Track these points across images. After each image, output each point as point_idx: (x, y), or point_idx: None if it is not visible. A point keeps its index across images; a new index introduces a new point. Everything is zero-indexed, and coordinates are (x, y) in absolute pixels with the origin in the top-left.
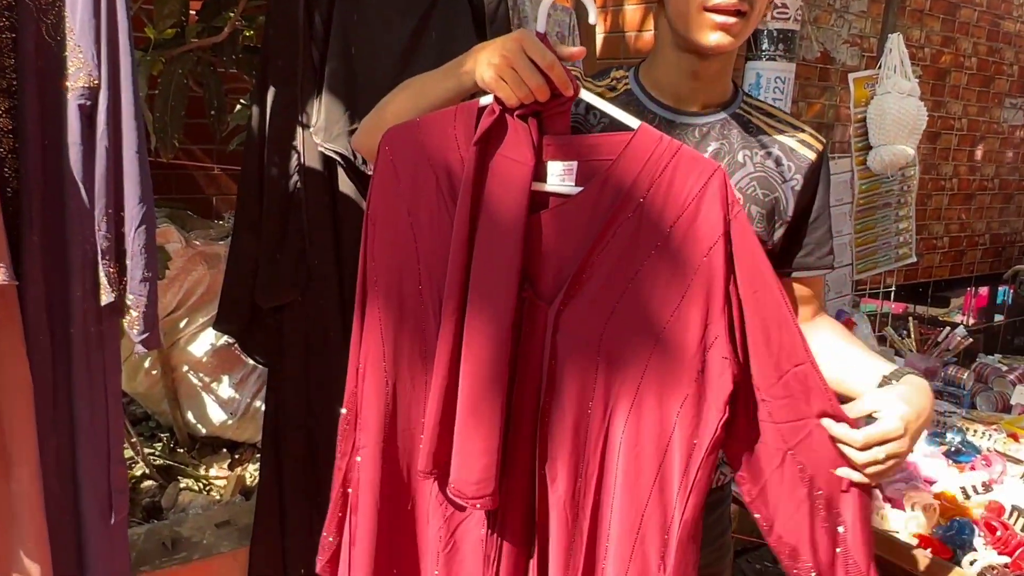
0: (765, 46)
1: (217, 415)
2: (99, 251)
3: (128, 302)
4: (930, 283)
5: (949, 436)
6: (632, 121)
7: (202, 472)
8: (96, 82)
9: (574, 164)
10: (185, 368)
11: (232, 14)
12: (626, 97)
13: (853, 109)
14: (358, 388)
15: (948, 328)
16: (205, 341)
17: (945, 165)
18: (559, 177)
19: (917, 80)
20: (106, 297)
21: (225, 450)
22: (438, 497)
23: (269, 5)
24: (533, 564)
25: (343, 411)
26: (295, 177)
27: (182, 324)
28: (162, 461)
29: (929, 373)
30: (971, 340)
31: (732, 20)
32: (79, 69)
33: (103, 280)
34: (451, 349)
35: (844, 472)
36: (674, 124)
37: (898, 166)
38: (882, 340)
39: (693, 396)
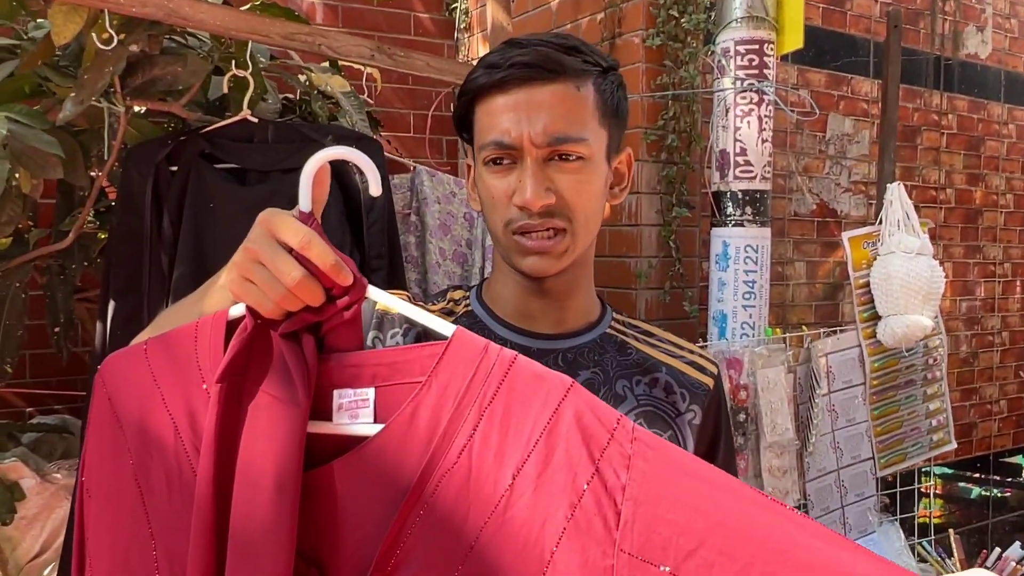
0: (730, 210)
1: None
2: None
3: None
4: (989, 455)
5: None
6: (444, 326)
7: None
8: None
9: (370, 392)
10: None
11: (79, 214)
12: (468, 320)
13: (853, 273)
14: None
15: (997, 551)
16: None
17: (990, 318)
18: (349, 413)
19: (931, 229)
20: None
21: None
22: None
23: (115, 207)
24: None
25: None
26: None
27: (47, 571)
28: None
29: None
30: None
31: (548, 241)
32: None
33: None
34: None
35: None
36: (530, 351)
37: (915, 339)
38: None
39: None
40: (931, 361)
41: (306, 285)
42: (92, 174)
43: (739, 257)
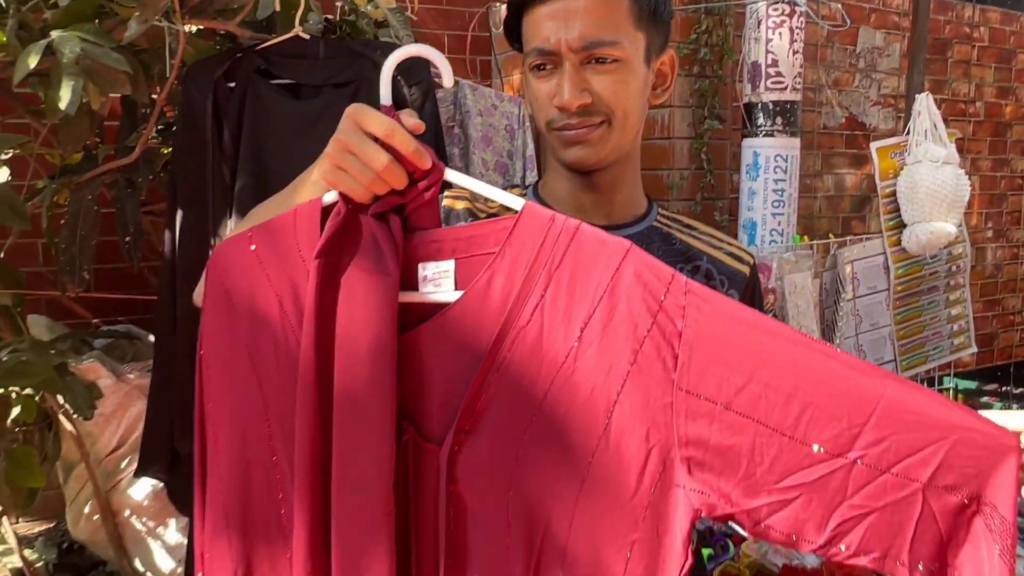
0: (760, 121)
1: (165, 563)
2: None
3: None
4: (1011, 364)
5: None
6: (514, 201)
7: None
8: None
9: (450, 264)
10: (127, 512)
11: (142, 130)
12: None
13: (880, 182)
14: None
15: None
16: (147, 483)
17: (1016, 230)
18: (433, 283)
19: (958, 140)
20: None
21: None
22: None
23: (177, 123)
24: None
25: None
26: None
27: (123, 464)
28: None
29: None
30: None
31: (588, 130)
32: None
33: None
34: (312, 521)
35: None
36: None
37: (938, 246)
38: None
39: (643, 540)
40: (954, 268)
41: (392, 169)
42: (153, 94)
43: (769, 167)
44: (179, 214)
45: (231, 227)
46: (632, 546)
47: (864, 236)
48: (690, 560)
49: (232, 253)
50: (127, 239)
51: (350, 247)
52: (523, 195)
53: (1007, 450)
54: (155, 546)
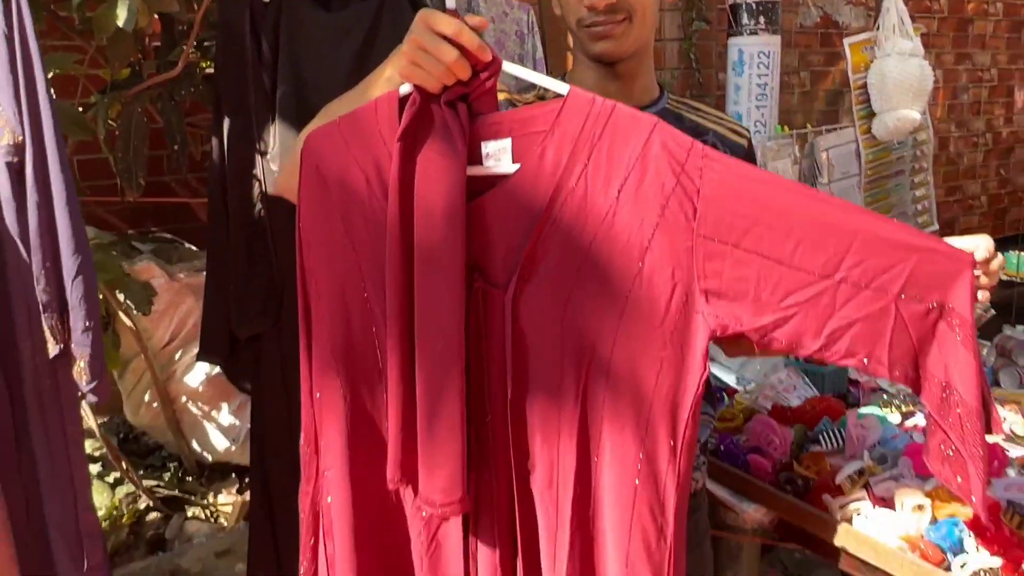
0: (745, 20)
1: (220, 442)
2: (41, 305)
3: (74, 352)
4: None
5: None
6: (560, 86)
7: (210, 500)
8: (20, 138)
9: (508, 141)
10: (184, 399)
11: (184, 47)
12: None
13: (852, 75)
14: (315, 411)
15: None
16: (200, 371)
17: (976, 120)
18: (494, 158)
19: (923, 35)
20: (52, 350)
21: (234, 475)
22: (415, 502)
23: (216, 39)
24: (519, 559)
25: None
26: (258, 206)
27: (177, 355)
28: (167, 492)
29: None
30: (993, 313)
31: (613, 26)
32: (2, 128)
33: (47, 334)
34: (402, 355)
35: None
36: None
37: (905, 132)
38: None
39: (671, 357)
40: (919, 153)
41: (460, 63)
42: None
43: (753, 63)
44: (225, 121)
45: (274, 131)
46: (662, 362)
47: (838, 127)
48: (707, 371)
49: (322, 140)
50: (175, 147)
51: (424, 131)
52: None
53: (964, 264)
54: (210, 428)
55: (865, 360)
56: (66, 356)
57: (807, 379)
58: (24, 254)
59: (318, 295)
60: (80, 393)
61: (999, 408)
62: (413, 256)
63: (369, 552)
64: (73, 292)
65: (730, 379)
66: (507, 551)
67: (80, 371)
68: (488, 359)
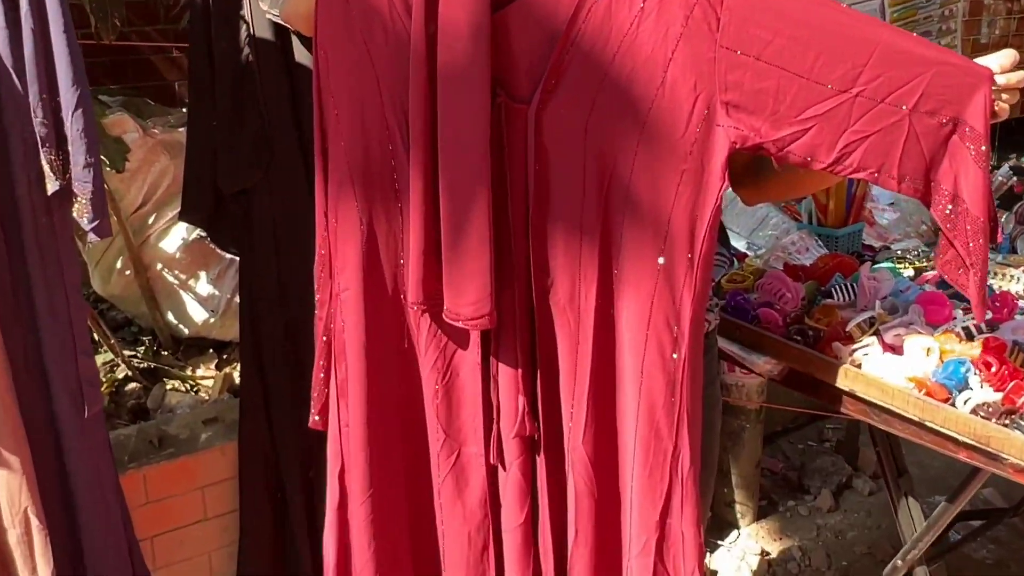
0: None
1: (198, 314)
2: (39, 139)
3: (75, 189)
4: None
5: None
6: None
7: (188, 373)
8: None
9: None
10: (159, 266)
11: None
12: None
13: None
14: (329, 231)
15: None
16: (176, 236)
17: None
18: None
19: None
20: (51, 186)
21: (212, 350)
22: (431, 328)
23: None
24: (539, 376)
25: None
26: (246, 50)
27: (151, 220)
28: (146, 364)
29: None
30: (1015, 180)
31: None
32: None
33: (46, 169)
34: (425, 170)
35: None
36: None
37: None
38: None
39: (691, 170)
40: (947, 13)
41: None
42: None
43: None
44: None
45: None
46: (682, 174)
47: None
48: (727, 183)
49: None
50: None
51: None
52: None
53: (982, 79)
54: (187, 298)
55: (876, 174)
56: (65, 194)
57: (820, 241)
58: (18, 85)
59: (336, 113)
60: (81, 232)
61: (1012, 271)
62: (436, 73)
63: (380, 377)
64: (73, 126)
65: (740, 244)
66: (527, 369)
67: (81, 208)
68: (510, 175)
